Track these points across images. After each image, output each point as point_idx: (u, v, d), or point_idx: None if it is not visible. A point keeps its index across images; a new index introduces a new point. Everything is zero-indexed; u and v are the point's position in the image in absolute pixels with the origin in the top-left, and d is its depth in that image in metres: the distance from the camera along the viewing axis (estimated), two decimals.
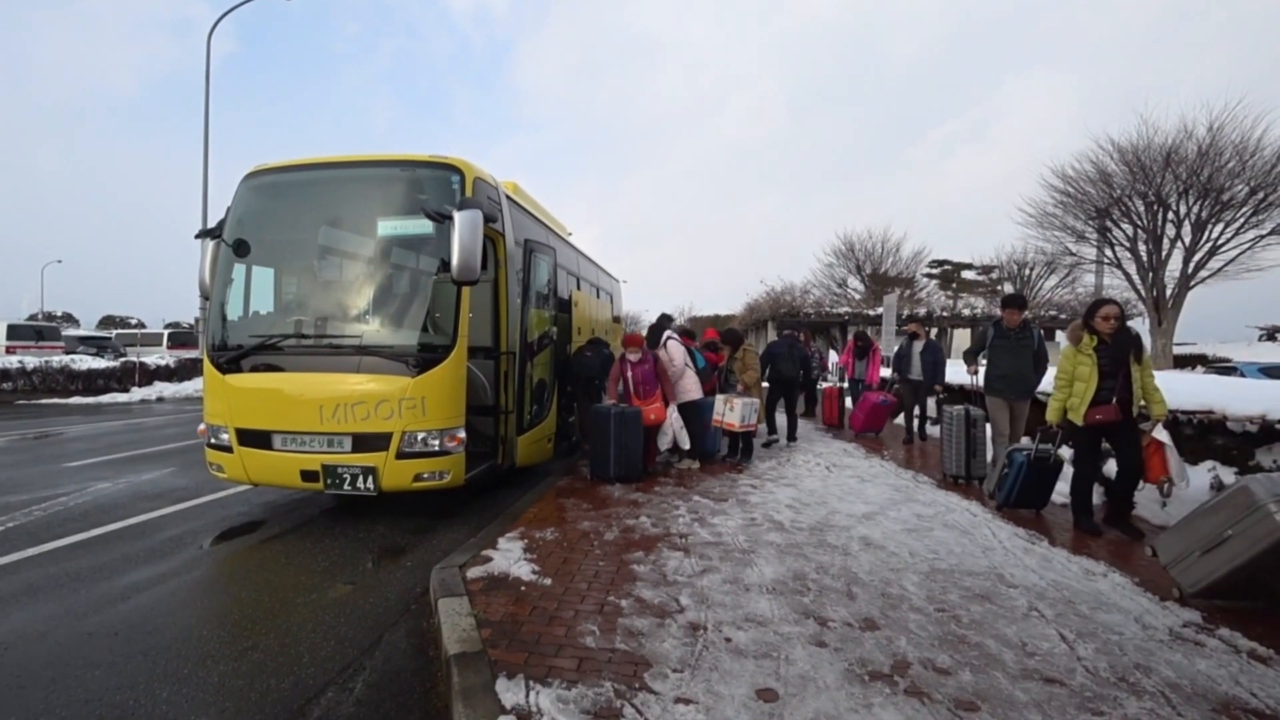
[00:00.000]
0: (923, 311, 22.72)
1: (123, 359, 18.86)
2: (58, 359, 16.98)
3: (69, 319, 56.21)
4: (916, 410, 9.00)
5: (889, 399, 9.22)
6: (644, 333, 6.98)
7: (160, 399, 16.42)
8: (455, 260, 4.43)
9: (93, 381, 16.59)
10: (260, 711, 2.52)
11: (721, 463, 7.07)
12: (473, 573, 3.63)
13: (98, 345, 23.36)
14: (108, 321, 58.93)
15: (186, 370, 18.79)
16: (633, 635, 2.88)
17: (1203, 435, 5.03)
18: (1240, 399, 4.79)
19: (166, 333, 26.20)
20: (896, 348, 9.42)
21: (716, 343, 7.99)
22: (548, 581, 3.54)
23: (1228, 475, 4.45)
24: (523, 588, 3.45)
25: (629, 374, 6.26)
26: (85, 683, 2.70)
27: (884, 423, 9.41)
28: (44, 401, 15.35)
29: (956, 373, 8.81)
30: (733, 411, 6.60)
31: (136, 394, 16.62)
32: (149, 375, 17.84)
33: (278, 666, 2.86)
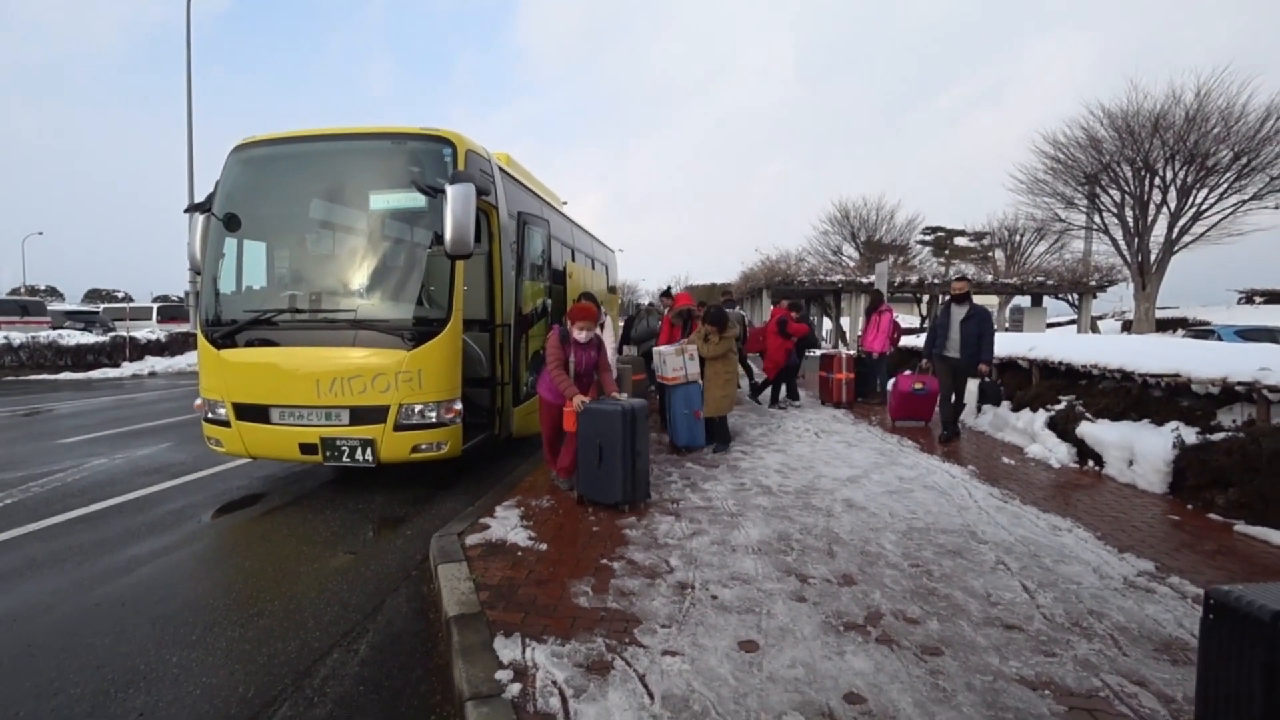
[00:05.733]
0: (915, 279, 22.75)
1: (112, 334, 18.72)
2: (45, 334, 16.83)
3: (53, 293, 55.34)
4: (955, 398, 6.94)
5: (928, 386, 7.40)
6: (667, 300, 5.84)
7: (152, 374, 16.36)
8: (448, 234, 4.45)
9: (82, 357, 16.48)
10: (269, 672, 2.65)
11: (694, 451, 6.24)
12: (471, 540, 3.77)
13: (85, 320, 23.08)
14: (93, 295, 58.05)
15: (178, 345, 18.67)
16: (624, 595, 3.04)
17: (1170, 397, 5.22)
18: (1205, 363, 4.97)
19: (155, 306, 25.88)
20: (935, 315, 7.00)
21: (691, 310, 7.28)
22: (543, 547, 3.69)
23: (1190, 435, 4.65)
24: (519, 553, 3.60)
25: (572, 358, 4.68)
26: (96, 650, 2.80)
27: (929, 412, 7.62)
28: (32, 377, 15.25)
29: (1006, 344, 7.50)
30: (664, 365, 6.14)
31: (128, 369, 16.55)
32: (139, 350, 17.72)
33: (284, 631, 2.99)
